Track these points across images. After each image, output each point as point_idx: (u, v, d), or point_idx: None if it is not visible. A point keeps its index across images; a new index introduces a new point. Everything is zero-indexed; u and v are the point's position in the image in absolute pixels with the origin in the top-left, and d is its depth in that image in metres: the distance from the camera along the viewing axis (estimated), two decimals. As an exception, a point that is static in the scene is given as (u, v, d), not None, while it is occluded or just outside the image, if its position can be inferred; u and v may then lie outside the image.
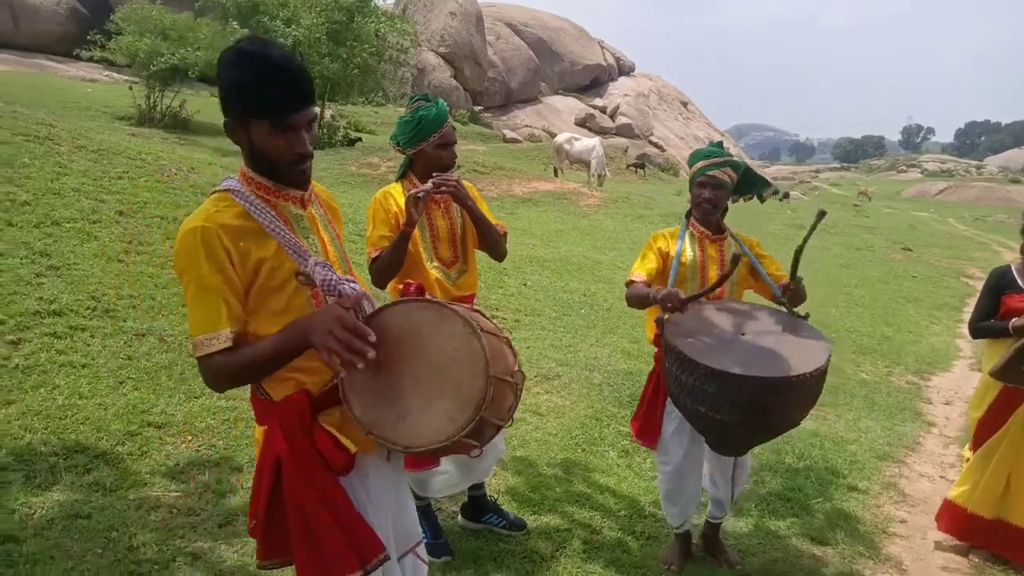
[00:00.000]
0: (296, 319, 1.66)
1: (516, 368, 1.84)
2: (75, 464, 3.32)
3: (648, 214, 16.53)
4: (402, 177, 3.05)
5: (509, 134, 31.71)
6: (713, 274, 2.98)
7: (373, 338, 1.56)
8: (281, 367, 1.68)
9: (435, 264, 2.98)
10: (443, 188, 2.78)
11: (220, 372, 1.64)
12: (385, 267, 2.85)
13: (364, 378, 1.66)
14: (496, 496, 3.52)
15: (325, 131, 20.32)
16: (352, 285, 1.72)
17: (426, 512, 3.23)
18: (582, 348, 6.32)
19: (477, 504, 3.34)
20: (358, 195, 12.64)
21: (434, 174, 2.82)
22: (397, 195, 2.94)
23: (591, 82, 45.66)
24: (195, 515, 3.12)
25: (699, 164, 3.01)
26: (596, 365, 5.91)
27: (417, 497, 3.20)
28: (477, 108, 35.80)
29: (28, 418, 3.55)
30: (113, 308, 4.81)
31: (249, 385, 1.81)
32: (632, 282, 2.94)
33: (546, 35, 43.51)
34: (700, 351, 2.49)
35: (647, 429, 3.10)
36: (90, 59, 24.29)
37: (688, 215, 3.11)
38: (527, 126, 36.00)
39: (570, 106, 41.56)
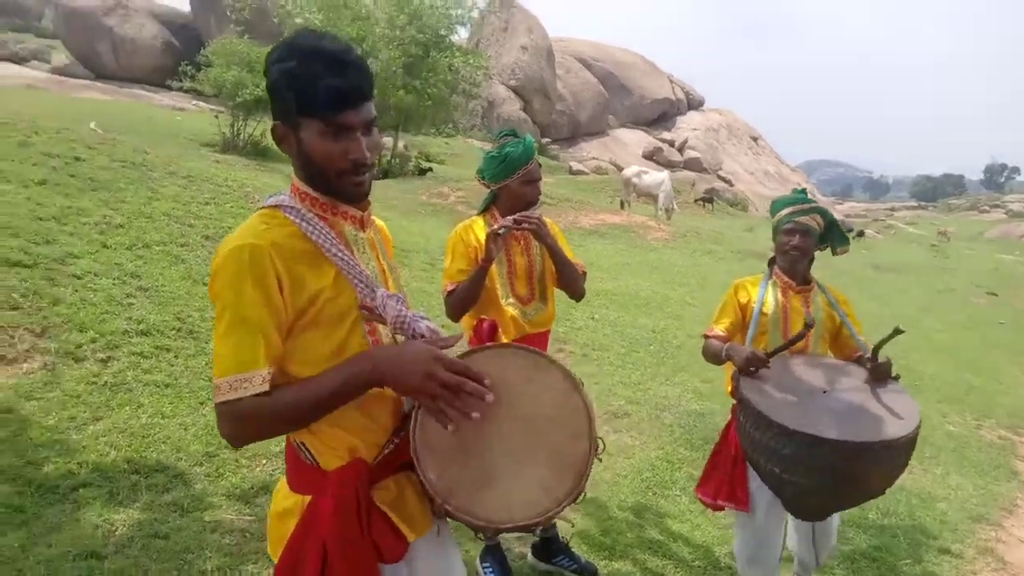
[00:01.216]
0: (363, 353, 1.43)
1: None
2: (155, 483, 3.40)
3: (717, 249, 16.24)
4: (484, 211, 3.04)
5: (576, 166, 31.84)
6: (797, 326, 2.83)
7: (488, 381, 1.33)
8: (330, 412, 1.40)
9: (511, 301, 2.95)
10: (525, 225, 2.75)
11: (249, 418, 1.34)
12: (461, 301, 2.84)
13: (441, 434, 1.38)
14: (568, 538, 3.44)
15: (397, 161, 20.81)
16: (428, 323, 1.46)
17: (494, 551, 3.18)
18: (651, 386, 6.18)
19: (548, 545, 3.27)
20: (428, 224, 12.85)
21: (518, 213, 2.80)
22: (478, 229, 2.93)
23: (660, 116, 45.59)
24: (267, 541, 3.13)
25: (786, 211, 2.88)
26: (666, 405, 5.77)
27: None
28: (544, 140, 36.12)
29: (113, 435, 3.67)
30: (196, 330, 4.97)
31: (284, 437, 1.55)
32: (707, 336, 2.88)
33: (616, 69, 43.78)
34: (776, 408, 2.33)
35: (735, 490, 2.85)
36: (180, 89, 25.62)
37: (771, 263, 2.98)
38: (593, 158, 36.08)
39: (638, 139, 41.51)
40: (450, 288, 2.86)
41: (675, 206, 21.44)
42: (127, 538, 3.00)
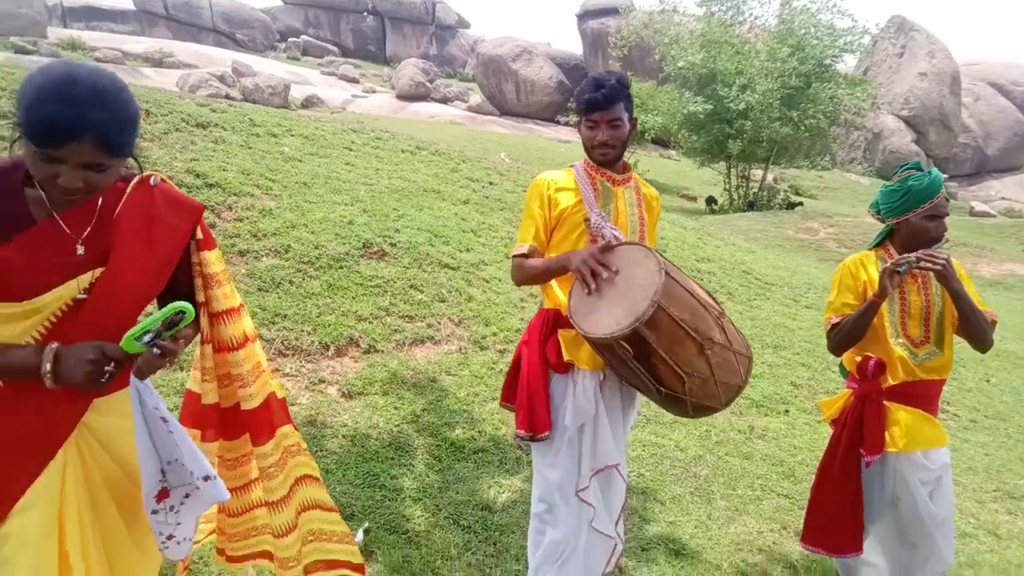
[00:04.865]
0: (569, 251, 2.44)
1: (720, 340, 2.27)
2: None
3: None
4: (878, 245, 2.95)
5: (979, 207, 27.42)
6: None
7: (615, 268, 2.25)
8: (548, 279, 2.51)
9: (900, 340, 2.79)
10: (927, 264, 2.61)
11: (515, 267, 2.53)
12: (845, 336, 2.79)
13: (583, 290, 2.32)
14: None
15: (765, 193, 20.28)
16: (613, 231, 2.42)
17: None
18: (1063, 470, 5.17)
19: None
20: (793, 259, 12.33)
21: (921, 251, 2.67)
22: (869, 263, 2.84)
23: (1105, 150, 36.80)
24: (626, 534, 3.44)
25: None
26: (1083, 496, 4.78)
27: (840, 581, 3.05)
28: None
29: (504, 414, 4.30)
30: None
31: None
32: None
33: (1044, 94, 36.55)
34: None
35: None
36: (566, 123, 28.44)
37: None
38: (1003, 198, 30.65)
39: (1069, 178, 34.08)
40: (835, 321, 2.83)
41: (1119, 261, 17.20)
42: (511, 500, 3.56)
